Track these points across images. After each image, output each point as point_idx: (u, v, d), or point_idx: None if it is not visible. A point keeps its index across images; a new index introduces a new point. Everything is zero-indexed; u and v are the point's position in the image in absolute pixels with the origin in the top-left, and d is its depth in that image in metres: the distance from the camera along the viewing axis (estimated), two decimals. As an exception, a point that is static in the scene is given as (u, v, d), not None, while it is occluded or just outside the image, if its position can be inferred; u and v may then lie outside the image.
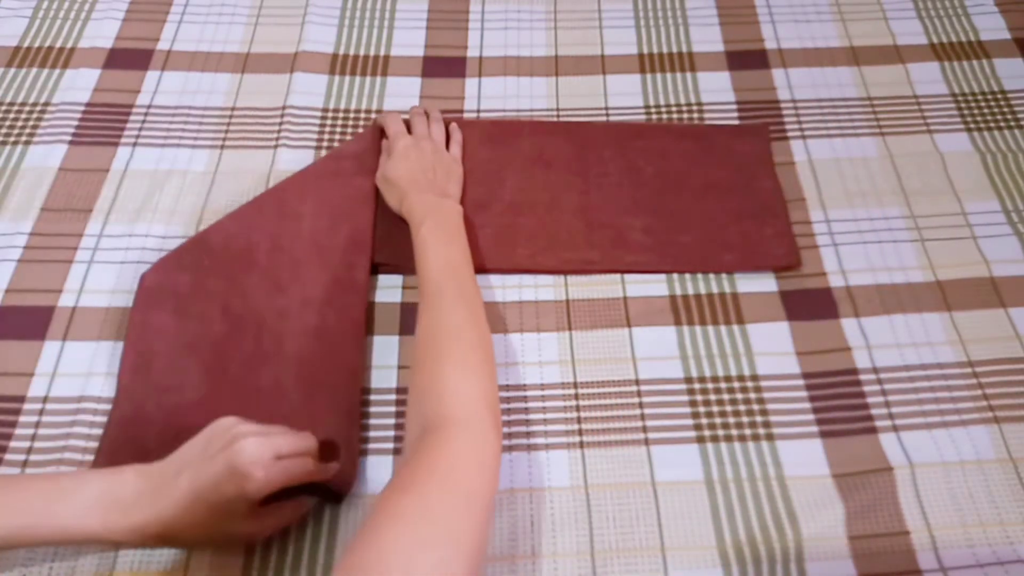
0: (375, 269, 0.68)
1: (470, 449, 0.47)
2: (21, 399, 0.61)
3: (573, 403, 0.62)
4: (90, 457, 0.58)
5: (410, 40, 0.86)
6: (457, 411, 0.49)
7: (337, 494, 0.56)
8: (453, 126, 0.76)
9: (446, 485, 0.44)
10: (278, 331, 0.63)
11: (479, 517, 0.44)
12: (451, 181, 0.70)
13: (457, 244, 0.63)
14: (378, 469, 0.59)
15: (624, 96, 0.82)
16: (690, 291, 0.68)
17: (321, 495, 0.56)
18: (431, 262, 0.60)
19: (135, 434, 0.58)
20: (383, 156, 0.72)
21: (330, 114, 0.79)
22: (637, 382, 0.63)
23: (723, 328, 0.66)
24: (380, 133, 0.75)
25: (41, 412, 0.60)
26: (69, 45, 0.84)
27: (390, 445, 0.60)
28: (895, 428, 0.61)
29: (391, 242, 0.68)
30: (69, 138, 0.76)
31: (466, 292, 0.59)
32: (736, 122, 0.80)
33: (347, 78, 0.83)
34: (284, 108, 0.79)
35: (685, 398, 0.62)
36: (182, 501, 0.47)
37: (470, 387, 0.51)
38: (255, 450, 0.47)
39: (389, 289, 0.68)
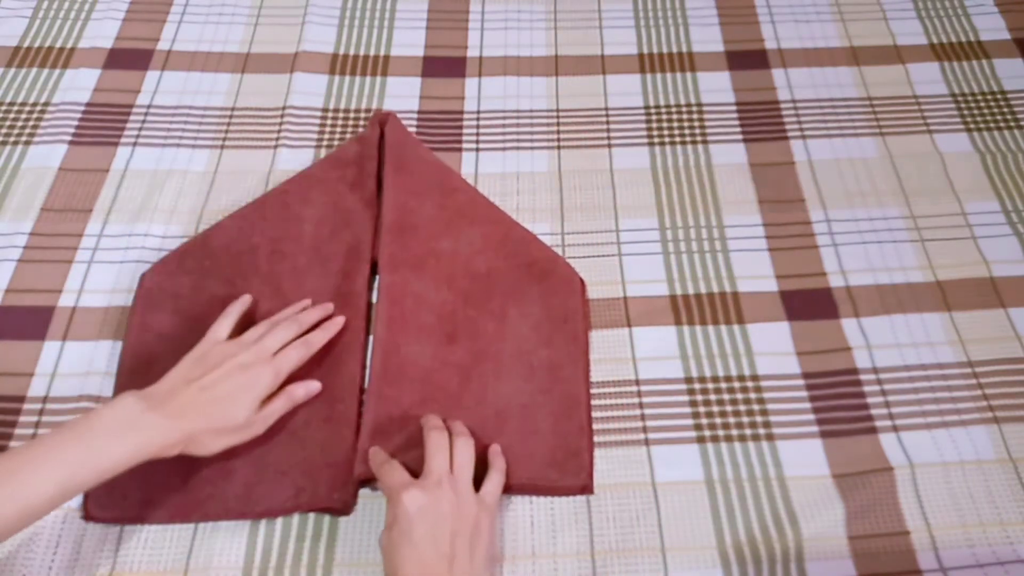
0: (374, 270, 0.68)
1: None
2: (21, 399, 0.61)
3: (573, 403, 0.62)
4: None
5: (410, 40, 0.86)
6: None
7: (341, 510, 0.57)
8: (495, 452, 0.57)
9: None
10: None
11: None
12: (473, 560, 0.50)
13: None
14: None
15: (624, 96, 0.82)
16: (690, 291, 0.68)
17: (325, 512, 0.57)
18: None
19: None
20: (388, 515, 0.52)
21: (330, 114, 0.79)
22: (637, 382, 0.63)
23: (723, 328, 0.66)
24: (379, 127, 0.75)
25: (41, 412, 0.60)
26: (69, 45, 0.84)
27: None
28: (895, 428, 0.61)
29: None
30: (69, 138, 0.76)
31: None
32: (736, 122, 0.80)
33: (347, 78, 0.83)
34: (284, 108, 0.79)
35: (685, 398, 0.62)
36: (190, 400, 0.52)
37: None
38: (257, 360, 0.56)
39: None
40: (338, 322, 0.63)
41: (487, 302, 0.65)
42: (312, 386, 0.60)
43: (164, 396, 0.53)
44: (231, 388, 0.54)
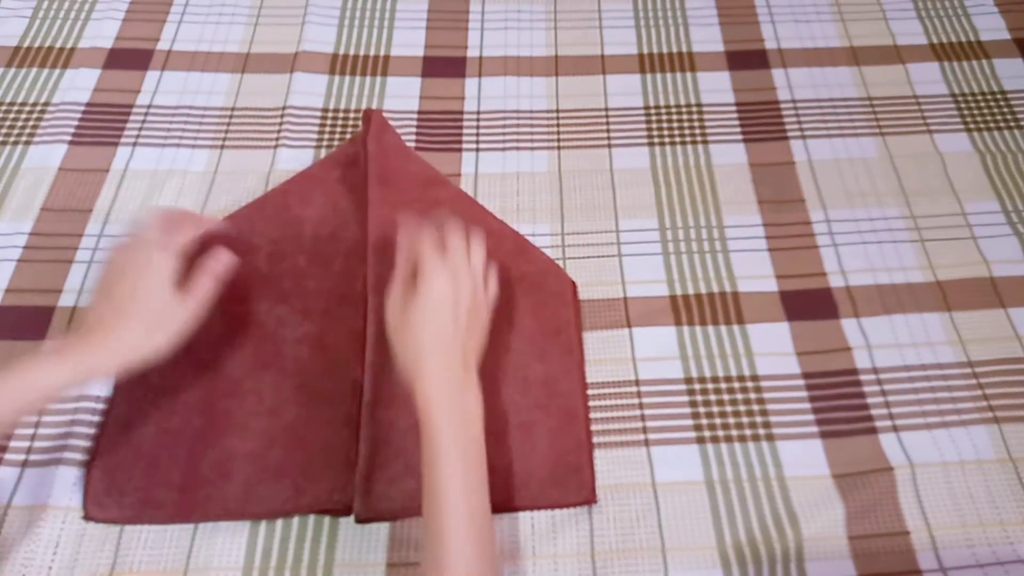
0: None
1: None
2: (21, 399, 0.61)
3: (573, 403, 0.62)
4: (88, 456, 0.58)
5: (410, 40, 0.86)
6: None
7: (341, 512, 0.57)
8: (474, 235, 0.60)
9: None
10: (277, 338, 0.63)
11: None
12: (474, 334, 0.57)
13: (476, 467, 0.51)
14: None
15: (624, 96, 0.82)
16: (690, 291, 0.68)
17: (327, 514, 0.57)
18: (446, 500, 0.48)
19: (131, 435, 0.58)
20: (397, 282, 0.57)
21: (330, 114, 0.79)
22: (637, 382, 0.63)
23: (723, 328, 0.66)
24: (377, 128, 0.74)
25: (41, 412, 0.60)
26: (69, 45, 0.84)
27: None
28: (895, 428, 0.61)
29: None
30: (69, 138, 0.76)
31: (479, 531, 0.49)
32: (736, 122, 0.80)
33: (347, 78, 0.83)
34: (284, 108, 0.79)
35: (685, 398, 0.62)
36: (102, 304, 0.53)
37: None
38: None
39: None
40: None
41: None
42: (222, 256, 0.59)
43: (82, 322, 0.53)
44: (129, 284, 0.53)
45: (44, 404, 0.50)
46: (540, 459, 0.58)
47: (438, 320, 0.54)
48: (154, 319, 0.54)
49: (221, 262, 0.59)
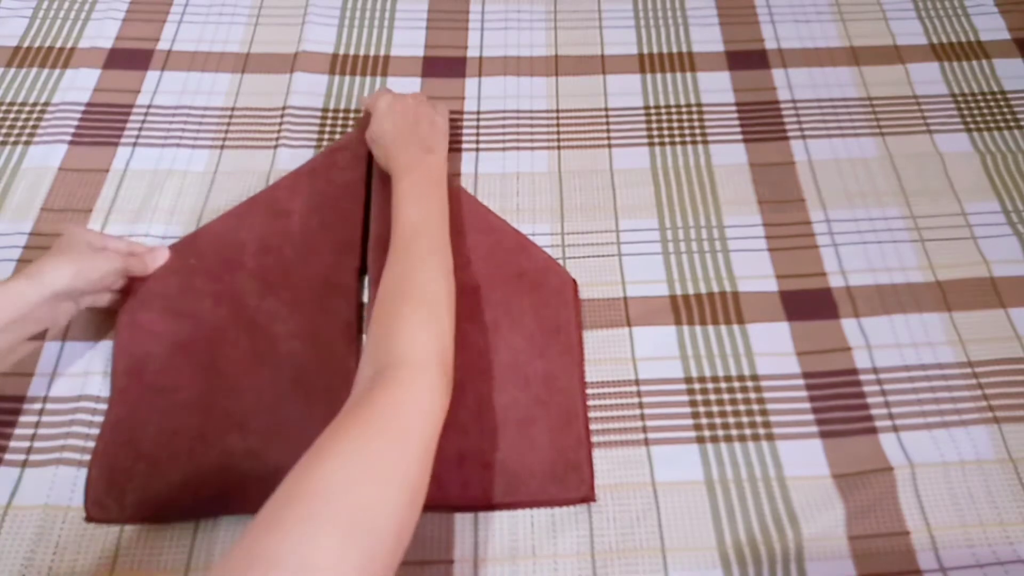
0: (364, 264, 0.68)
1: (416, 395, 0.48)
2: (21, 399, 0.61)
3: (573, 403, 0.62)
4: (88, 456, 0.58)
5: (410, 40, 0.86)
6: (410, 358, 0.50)
7: None
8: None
9: (387, 427, 0.45)
10: (270, 333, 0.63)
11: (417, 459, 0.45)
12: (436, 134, 0.69)
13: (435, 199, 0.63)
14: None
15: (624, 96, 0.82)
16: (690, 291, 0.68)
17: None
18: (406, 216, 0.60)
19: (130, 435, 0.58)
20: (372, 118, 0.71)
21: (330, 114, 0.79)
22: (637, 382, 0.63)
23: (723, 328, 0.66)
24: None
25: (41, 412, 0.60)
26: (69, 45, 0.84)
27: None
28: (895, 428, 0.61)
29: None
30: (69, 138, 0.76)
31: (437, 248, 0.59)
32: (736, 122, 0.80)
33: (347, 78, 0.83)
34: (284, 108, 0.79)
35: (685, 398, 0.62)
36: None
37: (428, 338, 0.51)
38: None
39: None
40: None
41: (478, 315, 0.65)
42: (159, 252, 0.66)
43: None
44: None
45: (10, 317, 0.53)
46: (539, 455, 0.59)
47: (392, 121, 0.68)
48: (73, 254, 0.58)
49: (154, 253, 0.65)
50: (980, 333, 0.66)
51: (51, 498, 0.56)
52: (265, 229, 0.68)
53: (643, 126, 0.79)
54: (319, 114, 0.79)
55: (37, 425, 0.60)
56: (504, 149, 0.77)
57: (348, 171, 0.72)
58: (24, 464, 0.58)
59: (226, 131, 0.78)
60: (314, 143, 0.77)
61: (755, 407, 0.62)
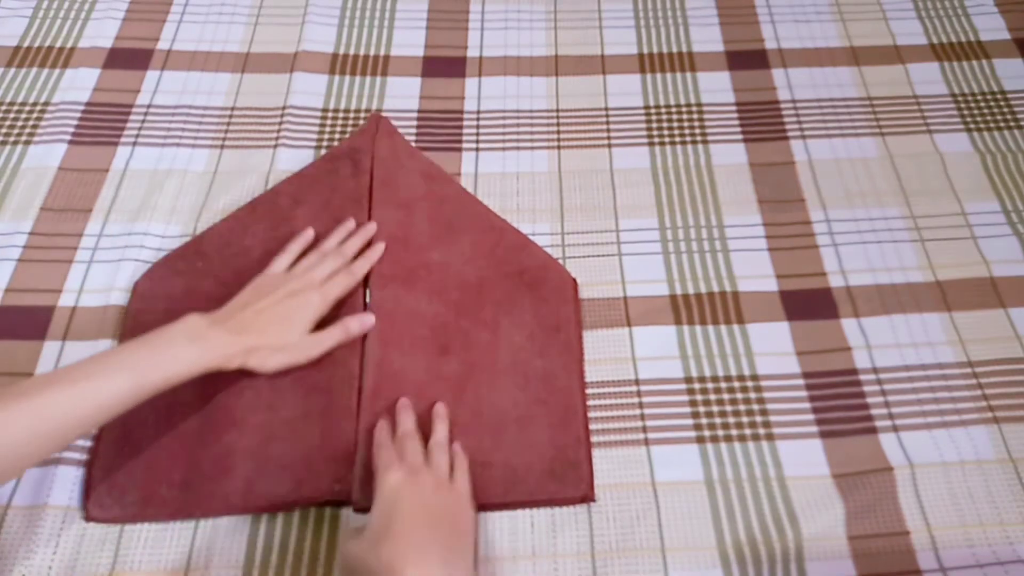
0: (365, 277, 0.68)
1: None
2: (21, 399, 0.61)
3: (573, 403, 0.62)
4: (88, 456, 0.58)
5: (410, 40, 0.86)
6: None
7: (342, 501, 0.57)
8: (456, 447, 0.57)
9: None
10: None
11: None
12: (460, 541, 0.49)
13: None
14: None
15: (624, 96, 0.82)
16: (690, 291, 0.68)
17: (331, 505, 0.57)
18: None
19: (131, 435, 0.58)
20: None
21: (330, 114, 0.79)
22: (637, 382, 0.63)
23: (723, 328, 0.66)
24: (375, 127, 0.75)
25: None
26: (69, 45, 0.84)
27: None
28: (895, 428, 0.61)
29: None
30: (69, 138, 0.76)
31: None
32: (736, 122, 0.80)
33: (347, 78, 0.83)
34: (284, 108, 0.79)
35: (685, 398, 0.62)
36: (247, 320, 0.58)
37: None
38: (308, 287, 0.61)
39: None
40: (378, 249, 0.67)
41: (479, 313, 0.65)
42: (367, 320, 0.63)
43: (225, 317, 0.58)
44: (283, 311, 0.59)
45: (168, 384, 0.52)
46: (538, 453, 0.59)
47: (401, 522, 0.47)
48: (284, 347, 0.59)
49: (360, 323, 0.63)
50: (980, 333, 0.66)
51: (51, 498, 0.56)
52: (269, 235, 0.68)
53: (643, 126, 0.79)
54: (319, 114, 0.79)
55: (37, 425, 0.60)
56: (504, 149, 0.77)
57: (350, 179, 0.72)
58: (24, 464, 0.58)
59: (226, 131, 0.78)
60: (314, 143, 0.77)
61: (755, 407, 0.62)
